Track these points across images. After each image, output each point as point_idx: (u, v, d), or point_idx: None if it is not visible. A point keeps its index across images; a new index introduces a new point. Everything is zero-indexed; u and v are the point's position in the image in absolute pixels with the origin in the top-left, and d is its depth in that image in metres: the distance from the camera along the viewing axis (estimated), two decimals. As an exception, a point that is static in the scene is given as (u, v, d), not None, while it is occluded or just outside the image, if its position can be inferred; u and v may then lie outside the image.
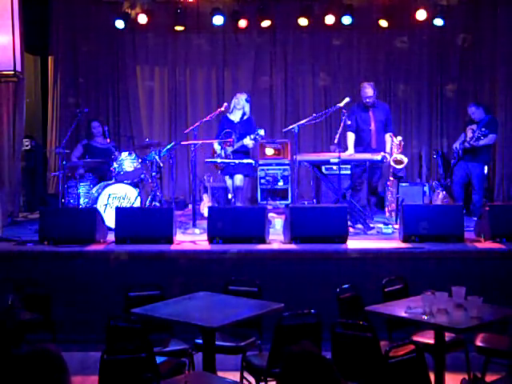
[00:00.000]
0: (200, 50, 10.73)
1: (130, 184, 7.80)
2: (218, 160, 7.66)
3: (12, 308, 4.46)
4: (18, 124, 8.46)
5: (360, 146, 7.88)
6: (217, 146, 7.85)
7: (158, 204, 7.82)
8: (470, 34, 10.29)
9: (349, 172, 8.05)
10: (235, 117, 7.95)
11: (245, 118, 7.93)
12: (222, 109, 7.79)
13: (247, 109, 7.97)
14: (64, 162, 7.78)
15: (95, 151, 8.72)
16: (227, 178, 7.95)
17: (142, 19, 10.15)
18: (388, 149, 7.77)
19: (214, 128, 9.16)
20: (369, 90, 7.80)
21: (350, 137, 7.87)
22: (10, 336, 4.11)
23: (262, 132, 7.57)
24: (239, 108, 7.90)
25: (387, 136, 7.86)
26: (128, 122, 10.78)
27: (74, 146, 9.24)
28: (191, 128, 7.49)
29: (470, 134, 8.49)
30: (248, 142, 7.68)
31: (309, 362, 2.26)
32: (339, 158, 7.15)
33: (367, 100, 7.80)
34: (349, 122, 7.59)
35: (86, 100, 10.57)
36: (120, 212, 6.67)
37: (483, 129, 8.19)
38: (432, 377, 3.80)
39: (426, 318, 3.96)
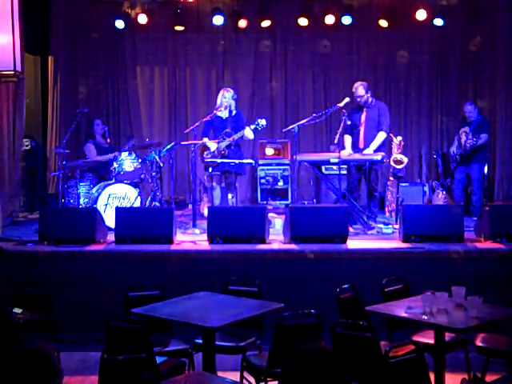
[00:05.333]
0: (200, 49, 10.73)
1: (130, 184, 7.80)
2: (218, 160, 7.64)
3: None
4: (18, 124, 8.45)
5: (353, 146, 7.84)
6: (210, 144, 7.78)
7: (158, 204, 7.81)
8: (470, 33, 10.29)
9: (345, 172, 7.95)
10: (224, 113, 7.84)
11: (234, 113, 7.87)
12: (222, 108, 7.78)
13: (233, 105, 7.90)
14: (64, 162, 7.78)
15: (102, 150, 8.72)
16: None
17: (142, 19, 10.15)
18: (373, 145, 7.58)
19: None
20: (360, 90, 7.77)
21: (347, 139, 7.84)
22: (7, 334, 4.12)
23: (263, 122, 7.53)
24: (227, 104, 7.82)
25: (378, 134, 7.75)
26: (128, 122, 10.78)
27: (79, 147, 9.21)
28: (191, 128, 7.48)
29: (463, 136, 8.65)
30: (248, 132, 7.60)
31: (324, 361, 2.25)
32: (339, 157, 7.15)
33: (358, 99, 7.79)
34: (349, 122, 7.57)
35: (86, 100, 10.57)
36: (120, 212, 6.67)
37: (476, 133, 8.48)
38: (432, 377, 3.80)
39: (425, 317, 3.97)
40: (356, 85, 7.84)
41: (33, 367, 2.21)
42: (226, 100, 7.78)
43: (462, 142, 8.62)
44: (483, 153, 8.73)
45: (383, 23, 10.06)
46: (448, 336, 4.29)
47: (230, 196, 7.84)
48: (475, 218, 7.24)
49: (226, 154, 7.65)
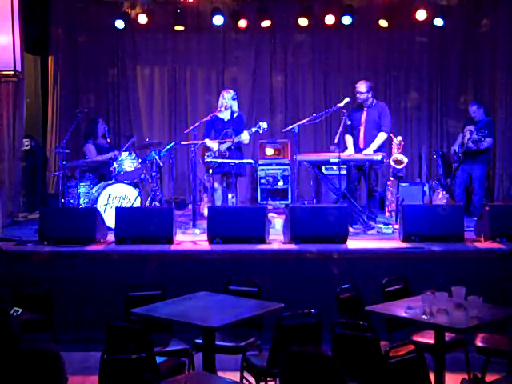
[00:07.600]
0: (200, 49, 10.73)
1: (130, 184, 7.80)
2: (218, 160, 7.64)
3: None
4: (18, 124, 8.44)
5: (353, 146, 7.84)
6: (211, 145, 7.80)
7: (158, 204, 7.82)
8: (469, 33, 10.29)
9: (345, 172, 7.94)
10: (225, 115, 7.89)
11: (235, 115, 7.91)
12: (223, 109, 7.80)
13: (235, 107, 7.93)
14: (64, 162, 7.78)
15: (102, 150, 8.72)
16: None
17: (142, 19, 10.16)
18: (373, 145, 7.59)
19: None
20: (361, 87, 7.78)
21: (349, 139, 7.87)
22: (9, 334, 4.12)
23: (264, 125, 7.55)
24: (227, 105, 7.86)
25: (379, 134, 7.71)
26: (128, 122, 10.78)
27: (79, 147, 9.21)
28: (191, 128, 7.49)
29: (468, 135, 8.57)
30: (246, 137, 7.65)
31: (317, 362, 2.26)
32: (339, 157, 7.15)
33: (358, 95, 7.80)
34: (349, 122, 7.59)
35: (86, 100, 10.58)
36: (120, 212, 6.67)
37: (482, 130, 8.29)
38: (432, 377, 3.80)
39: (426, 317, 3.97)
40: (360, 82, 7.87)
41: (40, 367, 2.22)
42: (225, 101, 7.83)
43: (466, 141, 8.56)
44: (487, 154, 8.68)
45: (383, 23, 10.07)
46: (448, 336, 4.29)
47: (230, 196, 7.85)
48: (475, 218, 7.23)
49: (227, 156, 7.67)
